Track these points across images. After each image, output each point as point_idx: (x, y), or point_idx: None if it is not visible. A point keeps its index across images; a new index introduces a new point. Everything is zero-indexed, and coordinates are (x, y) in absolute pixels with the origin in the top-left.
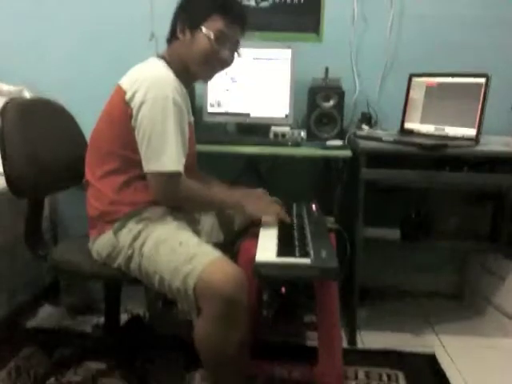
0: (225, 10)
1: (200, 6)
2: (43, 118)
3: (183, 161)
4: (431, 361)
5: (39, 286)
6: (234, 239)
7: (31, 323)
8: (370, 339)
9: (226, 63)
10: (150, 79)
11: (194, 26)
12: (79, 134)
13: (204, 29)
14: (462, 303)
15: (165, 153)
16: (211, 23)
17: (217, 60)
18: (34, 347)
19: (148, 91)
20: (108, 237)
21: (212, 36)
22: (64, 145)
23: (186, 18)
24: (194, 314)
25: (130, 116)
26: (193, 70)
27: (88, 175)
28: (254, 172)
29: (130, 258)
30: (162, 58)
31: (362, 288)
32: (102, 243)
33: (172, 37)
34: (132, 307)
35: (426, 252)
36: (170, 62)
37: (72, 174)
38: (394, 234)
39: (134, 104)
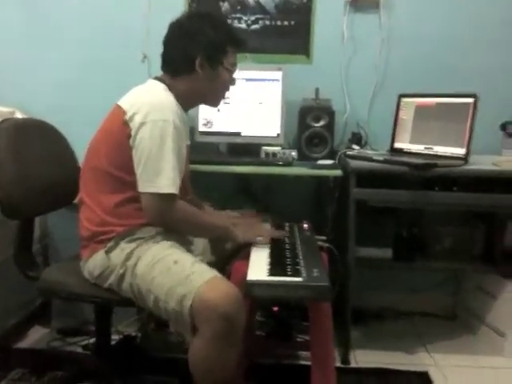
0: (237, 44)
1: (218, 43)
2: (35, 138)
3: (178, 183)
4: (424, 379)
5: (30, 307)
6: (227, 259)
7: (21, 345)
8: (364, 358)
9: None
10: (151, 101)
11: (216, 63)
12: (71, 155)
13: (225, 64)
14: (455, 322)
15: (161, 175)
16: (228, 57)
17: (230, 88)
18: (24, 369)
19: (148, 113)
20: (100, 256)
21: (231, 69)
22: (55, 165)
23: (206, 55)
24: (188, 335)
25: (128, 136)
26: (210, 100)
27: (82, 194)
28: (246, 192)
29: (122, 278)
30: (161, 80)
31: (355, 308)
32: (93, 263)
33: (177, 68)
34: (124, 328)
35: (419, 272)
36: (171, 86)
37: (63, 195)
38: (386, 253)
39: (134, 124)
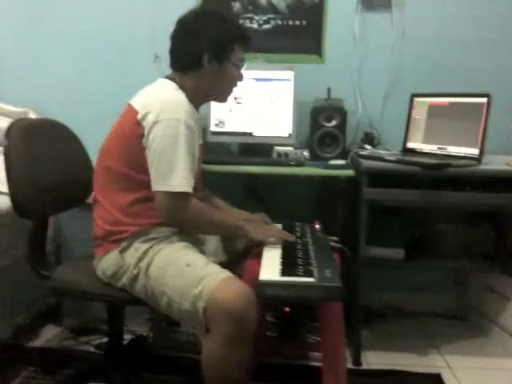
0: (243, 40)
1: (226, 39)
2: (48, 138)
3: (192, 182)
4: (437, 381)
5: (42, 306)
6: (238, 259)
7: (34, 343)
8: (375, 359)
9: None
10: (163, 101)
11: (224, 58)
12: (84, 154)
13: (232, 60)
14: (466, 323)
15: (174, 173)
16: (236, 53)
17: (238, 83)
18: (36, 367)
19: (161, 112)
20: (114, 256)
21: (239, 65)
22: (69, 165)
23: (214, 50)
24: (201, 336)
25: (141, 135)
26: (218, 96)
27: (96, 193)
28: (256, 192)
29: (135, 278)
30: (172, 79)
31: (366, 308)
32: (107, 262)
33: (186, 65)
34: (135, 328)
35: (429, 272)
36: (181, 84)
37: (77, 194)
38: (397, 253)
39: (147, 124)
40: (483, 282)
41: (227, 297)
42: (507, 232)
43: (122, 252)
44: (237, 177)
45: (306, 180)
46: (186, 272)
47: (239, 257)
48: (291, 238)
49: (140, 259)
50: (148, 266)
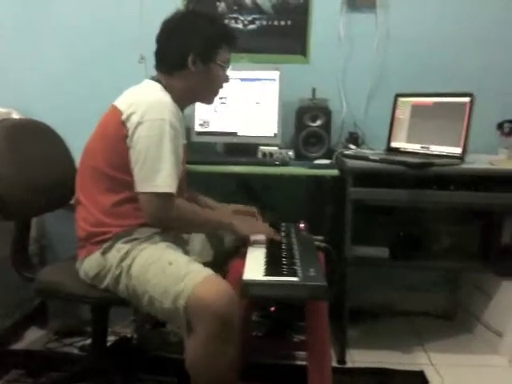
0: (230, 41)
1: (210, 40)
2: (31, 139)
3: (176, 182)
4: (420, 378)
5: (26, 308)
6: (224, 259)
7: (18, 346)
8: (360, 358)
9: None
10: (147, 101)
11: (208, 59)
12: (67, 155)
13: (217, 61)
14: (452, 321)
15: (159, 174)
16: (221, 54)
17: (223, 85)
18: (20, 370)
19: (145, 113)
20: (96, 257)
21: (224, 66)
22: (52, 166)
23: (198, 51)
24: (184, 335)
25: (125, 136)
26: (204, 97)
27: (78, 194)
28: (246, 191)
29: (117, 278)
30: (158, 81)
31: (351, 307)
32: (89, 264)
33: (171, 65)
34: (120, 329)
35: (416, 271)
36: (166, 86)
37: (60, 195)
38: (382, 252)
39: (131, 124)
40: (469, 280)
41: (208, 295)
42: (494, 231)
43: (104, 253)
44: (225, 177)
45: (295, 180)
46: (167, 270)
47: (225, 257)
48: (277, 237)
49: (122, 259)
50: (130, 265)
